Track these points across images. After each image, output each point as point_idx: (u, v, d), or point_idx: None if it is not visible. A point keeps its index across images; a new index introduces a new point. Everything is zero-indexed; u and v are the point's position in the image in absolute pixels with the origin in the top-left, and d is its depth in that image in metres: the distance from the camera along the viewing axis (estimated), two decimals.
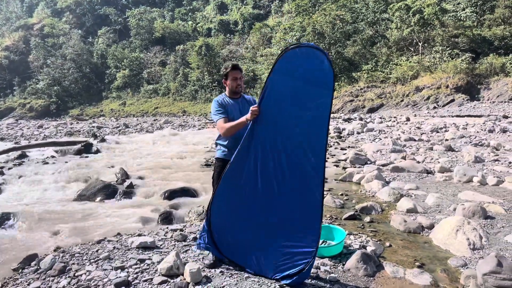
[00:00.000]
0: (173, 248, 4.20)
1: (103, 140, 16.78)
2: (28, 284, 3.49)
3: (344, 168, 9.41)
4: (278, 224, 3.38)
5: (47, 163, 11.45)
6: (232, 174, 3.44)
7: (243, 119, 3.43)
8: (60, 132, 24.21)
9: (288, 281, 3.32)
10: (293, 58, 3.19)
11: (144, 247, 4.18)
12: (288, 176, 3.31)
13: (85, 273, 3.59)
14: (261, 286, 3.28)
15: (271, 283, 3.34)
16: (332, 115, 31.51)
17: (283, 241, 3.36)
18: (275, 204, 3.37)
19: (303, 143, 3.28)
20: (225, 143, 3.78)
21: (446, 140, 13.49)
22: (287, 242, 3.35)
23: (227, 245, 3.56)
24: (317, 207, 3.27)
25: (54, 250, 4.29)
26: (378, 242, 4.53)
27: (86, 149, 13.84)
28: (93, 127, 28.94)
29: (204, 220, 3.53)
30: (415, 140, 13.77)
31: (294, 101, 3.26)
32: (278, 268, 3.38)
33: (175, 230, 4.88)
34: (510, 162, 9.07)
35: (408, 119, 22.99)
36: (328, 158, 10.91)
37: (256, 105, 3.35)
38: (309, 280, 3.50)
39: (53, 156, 12.89)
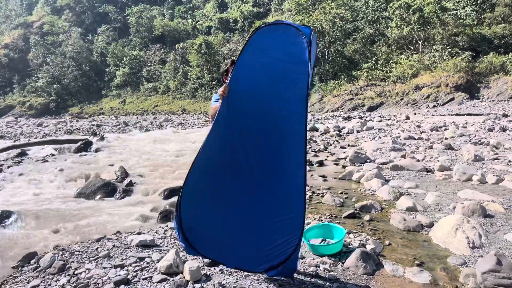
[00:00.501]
0: (173, 246, 4.20)
1: (102, 138, 16.75)
2: (28, 282, 3.49)
3: (344, 166, 9.41)
4: (258, 213, 3.16)
5: (46, 161, 11.44)
6: (203, 163, 3.16)
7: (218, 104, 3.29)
8: (60, 130, 24.18)
9: (273, 273, 3.21)
10: (266, 35, 3.07)
11: (144, 245, 4.18)
12: (266, 161, 3.11)
13: (84, 271, 3.59)
14: (260, 284, 3.28)
15: (271, 281, 3.35)
16: (332, 113, 31.33)
17: (264, 231, 3.16)
18: (253, 192, 3.15)
19: (280, 123, 3.09)
20: None
21: (446, 138, 13.49)
22: (268, 232, 3.15)
23: (202, 241, 3.26)
24: (299, 193, 3.08)
25: (54, 248, 4.29)
26: (378, 240, 4.53)
27: (85, 147, 13.83)
28: (93, 125, 28.91)
29: (175, 216, 3.20)
30: (414, 139, 13.77)
31: (268, 80, 3.11)
32: (260, 260, 3.20)
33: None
34: (509, 161, 9.07)
35: (407, 118, 22.98)
36: (327, 156, 10.91)
37: (226, 84, 3.19)
38: (309, 278, 3.50)
39: (52, 154, 12.88)
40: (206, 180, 3.18)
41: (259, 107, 3.14)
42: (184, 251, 4.00)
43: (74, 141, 15.33)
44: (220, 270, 3.54)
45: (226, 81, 3.75)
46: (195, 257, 3.67)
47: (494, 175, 7.39)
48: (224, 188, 3.17)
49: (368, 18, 44.39)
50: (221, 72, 3.88)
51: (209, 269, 3.56)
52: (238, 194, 3.16)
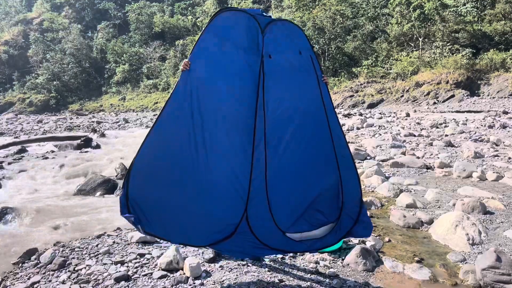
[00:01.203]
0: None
1: (103, 135, 16.76)
2: (28, 278, 3.50)
3: None
4: (207, 189, 3.05)
5: (46, 157, 11.44)
6: (159, 132, 2.97)
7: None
8: (60, 127, 24.18)
9: (221, 247, 3.17)
10: (225, 21, 3.08)
11: (144, 241, 4.19)
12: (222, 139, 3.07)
13: (85, 268, 3.60)
14: (260, 281, 3.29)
15: (270, 277, 3.36)
16: None
17: (211, 206, 3.07)
18: (206, 164, 3.03)
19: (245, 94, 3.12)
20: None
21: (446, 135, 13.49)
22: (215, 206, 3.07)
23: (146, 219, 2.94)
24: (246, 170, 3.09)
25: (54, 245, 4.30)
26: (378, 237, 4.54)
27: (85, 144, 13.83)
28: (93, 122, 28.90)
29: (122, 190, 2.91)
30: (415, 136, 13.77)
31: (226, 69, 3.11)
32: (206, 234, 3.10)
33: None
34: (509, 158, 9.07)
35: (408, 115, 22.98)
36: None
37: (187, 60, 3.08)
38: (309, 274, 3.51)
39: (52, 151, 12.88)
40: (156, 150, 2.98)
41: (219, 88, 3.10)
42: (184, 248, 4.01)
43: (74, 138, 15.34)
44: (220, 266, 3.56)
45: None
46: (182, 247, 3.64)
47: (494, 172, 7.39)
48: (179, 166, 3.01)
49: (369, 15, 44.28)
50: None
51: (209, 266, 3.57)
52: (192, 171, 3.02)
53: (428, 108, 29.15)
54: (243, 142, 3.11)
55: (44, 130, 21.93)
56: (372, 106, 33.93)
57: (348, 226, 3.21)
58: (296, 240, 3.23)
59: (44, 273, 3.58)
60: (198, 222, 3.05)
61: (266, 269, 3.55)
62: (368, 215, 5.32)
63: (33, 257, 3.97)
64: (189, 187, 3.00)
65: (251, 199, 3.12)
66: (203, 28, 3.08)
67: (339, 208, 3.19)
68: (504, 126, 14.73)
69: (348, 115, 25.60)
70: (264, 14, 3.16)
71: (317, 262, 3.78)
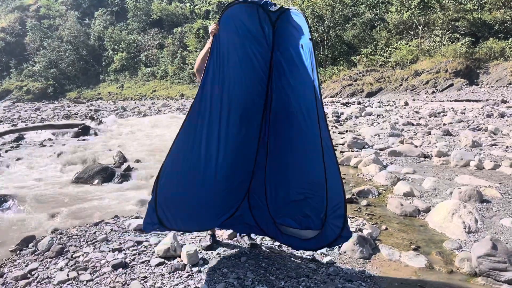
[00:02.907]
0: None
1: (100, 123, 16.72)
2: (26, 265, 3.51)
3: (342, 152, 9.41)
4: (221, 181, 3.36)
5: (44, 145, 11.41)
6: (186, 137, 3.09)
7: (207, 44, 3.22)
8: (58, 115, 24.10)
9: (227, 225, 3.72)
10: (235, 14, 3.13)
11: (142, 229, 4.19)
12: (238, 130, 3.31)
13: (82, 255, 3.61)
14: (257, 268, 3.30)
15: (267, 264, 3.37)
16: (330, 99, 31.28)
17: (223, 194, 3.45)
18: (221, 159, 3.26)
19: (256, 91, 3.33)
20: None
21: (444, 124, 13.50)
22: (225, 194, 3.47)
23: (171, 217, 3.19)
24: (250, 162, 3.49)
25: (52, 232, 4.31)
26: (375, 225, 4.56)
27: (83, 132, 13.80)
28: (91, 110, 28.81)
29: (151, 198, 3.09)
30: (413, 125, 13.78)
31: (243, 59, 3.22)
32: (216, 217, 3.55)
33: None
34: (507, 147, 9.09)
35: (406, 104, 22.97)
36: None
37: (215, 23, 3.15)
38: (306, 262, 3.53)
39: (50, 139, 12.85)
40: (184, 155, 3.13)
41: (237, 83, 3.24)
42: (182, 235, 4.03)
43: (72, 126, 15.29)
44: (217, 254, 3.57)
45: None
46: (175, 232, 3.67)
47: (491, 161, 7.41)
48: (197, 158, 3.18)
49: (368, 2, 43.93)
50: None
51: (206, 253, 3.58)
52: (206, 165, 3.23)
53: (426, 97, 29.11)
54: (253, 130, 3.41)
55: (42, 118, 21.86)
56: (370, 95, 33.86)
57: (330, 238, 3.28)
58: (283, 232, 3.51)
59: (41, 260, 3.59)
60: (213, 210, 3.48)
61: (263, 256, 3.57)
62: (365, 203, 5.35)
63: (30, 245, 3.98)
64: (206, 181, 3.27)
65: (253, 187, 3.61)
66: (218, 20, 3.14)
67: (322, 219, 3.27)
68: (502, 115, 14.73)
69: (346, 104, 25.56)
70: (273, 4, 3.16)
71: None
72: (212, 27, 3.08)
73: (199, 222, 3.48)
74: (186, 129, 3.03)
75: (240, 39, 3.17)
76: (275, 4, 3.15)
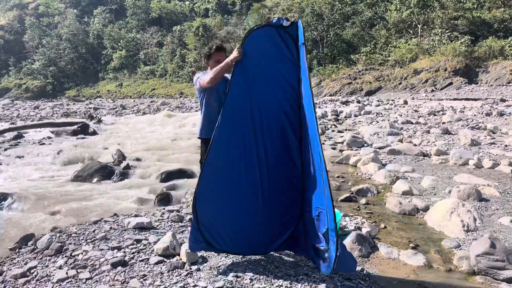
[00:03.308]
0: (170, 229, 4.22)
1: (99, 121, 16.72)
2: (25, 264, 3.52)
3: (341, 150, 9.42)
4: (269, 201, 3.32)
5: (43, 144, 11.42)
6: (216, 156, 3.19)
7: (228, 59, 3.25)
8: (57, 113, 24.07)
9: (284, 247, 3.51)
10: (256, 39, 3.22)
11: (141, 227, 4.20)
12: (276, 147, 3.30)
13: (82, 253, 3.61)
14: (256, 266, 3.31)
15: (266, 262, 3.38)
16: (330, 97, 31.19)
17: (274, 216, 3.39)
18: (265, 179, 3.28)
19: (284, 111, 3.31)
20: (202, 118, 3.64)
21: (443, 123, 13.50)
22: (277, 216, 3.40)
23: (218, 237, 3.31)
24: (298, 182, 3.37)
25: (51, 230, 4.31)
26: (373, 223, 4.57)
27: (82, 130, 13.79)
28: (90, 108, 28.78)
29: (192, 218, 3.25)
30: (412, 123, 13.78)
31: (265, 81, 3.27)
32: (271, 242, 3.45)
33: (172, 211, 4.90)
34: (506, 145, 9.10)
35: (405, 102, 22.96)
36: (325, 140, 10.92)
37: (239, 46, 3.20)
38: (304, 260, 3.53)
39: (49, 137, 12.85)
40: (217, 175, 3.24)
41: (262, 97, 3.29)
42: (181, 234, 4.03)
43: (71, 124, 15.29)
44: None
45: (208, 65, 3.65)
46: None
47: (490, 160, 7.42)
48: (236, 182, 3.27)
49: (368, 1, 43.82)
50: (204, 54, 3.70)
51: (206, 251, 3.58)
52: (251, 187, 3.28)
53: (426, 95, 29.10)
54: (294, 148, 3.36)
55: (41, 116, 21.84)
56: (370, 93, 33.82)
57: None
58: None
59: (41, 258, 3.59)
60: (263, 235, 3.42)
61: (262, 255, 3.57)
62: (364, 201, 5.34)
63: (30, 243, 3.98)
64: (249, 204, 3.31)
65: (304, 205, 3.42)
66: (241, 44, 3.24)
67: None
68: (501, 114, 14.74)
69: (346, 102, 25.55)
70: (285, 18, 3.24)
71: None
72: (235, 54, 3.15)
73: (251, 245, 3.42)
74: (217, 153, 3.16)
75: (266, 61, 3.24)
76: (287, 19, 3.22)
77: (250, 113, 3.23)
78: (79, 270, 3.29)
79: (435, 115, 16.08)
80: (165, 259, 3.41)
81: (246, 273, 3.15)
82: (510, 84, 27.80)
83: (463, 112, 16.59)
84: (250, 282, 3.03)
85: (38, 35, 67.57)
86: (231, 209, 3.29)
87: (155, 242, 3.75)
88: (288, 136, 3.33)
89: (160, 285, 2.99)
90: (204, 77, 3.43)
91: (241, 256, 3.47)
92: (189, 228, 4.11)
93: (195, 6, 66.05)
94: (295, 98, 3.29)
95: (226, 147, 3.20)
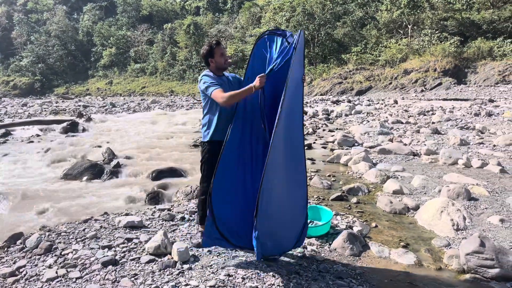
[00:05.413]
0: (161, 228, 4.19)
1: (89, 119, 16.58)
2: (14, 263, 3.47)
3: (332, 149, 9.45)
4: (279, 201, 3.32)
5: (32, 141, 11.28)
6: (229, 154, 3.28)
7: (249, 86, 3.17)
8: (45, 110, 23.80)
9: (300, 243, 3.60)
10: (262, 44, 3.44)
11: (132, 226, 4.16)
12: (284, 148, 3.29)
13: (71, 252, 3.57)
14: (248, 265, 3.30)
15: (257, 261, 3.37)
16: (320, 97, 31.36)
17: (284, 218, 3.37)
18: (278, 178, 3.26)
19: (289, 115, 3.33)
20: (216, 122, 3.48)
21: (433, 123, 13.62)
22: (287, 218, 3.41)
23: (234, 233, 3.36)
24: (303, 176, 3.53)
25: (40, 229, 4.26)
26: (365, 222, 4.59)
27: (72, 128, 13.67)
28: (79, 106, 28.52)
29: (208, 213, 3.27)
30: (402, 123, 13.88)
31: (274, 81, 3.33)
32: (292, 237, 3.48)
33: (163, 210, 4.87)
34: (494, 145, 9.21)
35: (396, 102, 23.13)
36: (316, 140, 10.95)
37: (263, 74, 3.17)
38: (296, 259, 3.54)
39: (38, 135, 12.71)
40: (230, 172, 3.32)
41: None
42: (172, 232, 4.01)
43: (60, 121, 15.14)
44: (208, 251, 3.56)
45: (212, 63, 3.58)
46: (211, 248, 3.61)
47: (479, 159, 7.50)
48: (249, 181, 3.36)
49: (359, 1, 44.09)
50: (203, 54, 3.61)
51: (197, 250, 3.57)
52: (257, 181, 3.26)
53: (415, 95, 29.34)
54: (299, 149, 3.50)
55: (29, 113, 21.57)
56: (360, 93, 34.03)
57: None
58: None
59: (30, 258, 3.55)
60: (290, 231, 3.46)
61: (253, 254, 3.57)
62: (355, 200, 5.37)
63: (18, 242, 3.92)
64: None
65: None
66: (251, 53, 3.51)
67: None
68: (489, 114, 14.91)
69: (336, 102, 25.66)
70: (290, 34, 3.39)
71: (304, 247, 3.81)
72: (257, 83, 3.16)
73: (277, 243, 3.39)
74: (230, 150, 3.28)
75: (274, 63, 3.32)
76: (292, 35, 3.33)
77: (260, 112, 3.36)
78: (69, 269, 3.25)
79: (425, 115, 16.21)
80: (156, 258, 3.39)
81: (238, 272, 3.14)
82: (498, 84, 28.16)
83: (453, 112, 16.75)
84: (242, 281, 3.02)
85: (26, 31, 66.85)
86: (243, 205, 3.34)
87: (146, 241, 3.72)
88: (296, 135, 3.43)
89: (151, 284, 2.97)
90: (216, 92, 3.33)
91: (233, 255, 3.46)
92: (181, 227, 4.11)
93: (186, 4, 65.86)
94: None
95: (237, 145, 3.33)
